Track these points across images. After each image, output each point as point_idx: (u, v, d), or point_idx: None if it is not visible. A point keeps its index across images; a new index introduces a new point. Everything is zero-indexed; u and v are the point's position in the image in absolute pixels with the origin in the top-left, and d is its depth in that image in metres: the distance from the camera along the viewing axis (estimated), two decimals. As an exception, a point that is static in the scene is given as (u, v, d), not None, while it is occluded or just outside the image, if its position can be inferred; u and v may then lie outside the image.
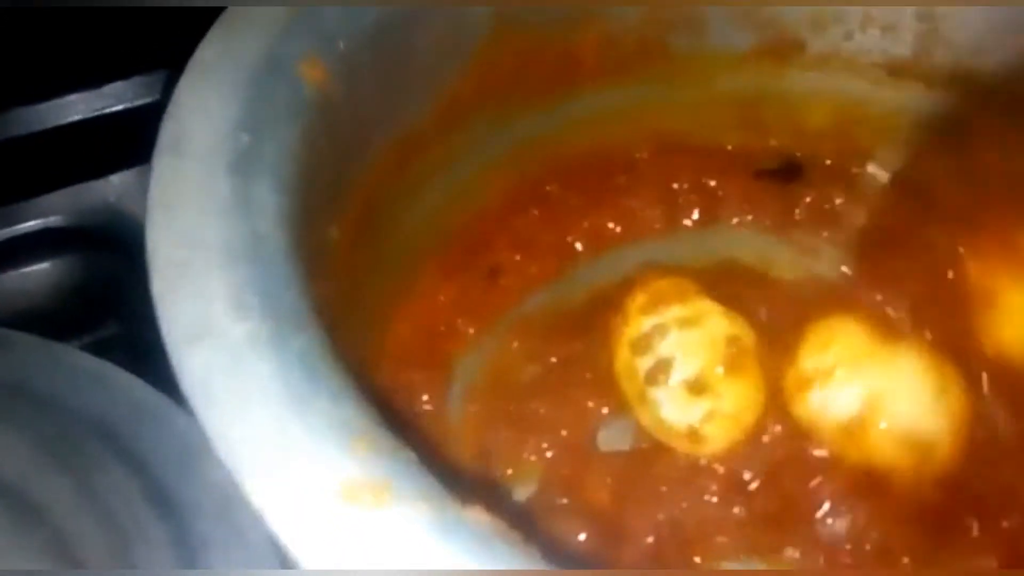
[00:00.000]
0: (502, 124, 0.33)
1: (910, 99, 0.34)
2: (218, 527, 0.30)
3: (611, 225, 0.35)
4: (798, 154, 0.36)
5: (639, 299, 0.32)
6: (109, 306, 0.39)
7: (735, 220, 0.36)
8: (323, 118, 0.25)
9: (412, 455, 0.18)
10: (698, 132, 0.35)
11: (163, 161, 0.22)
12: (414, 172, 0.31)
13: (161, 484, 0.31)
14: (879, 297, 0.33)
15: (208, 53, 0.24)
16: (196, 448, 0.31)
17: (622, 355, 0.31)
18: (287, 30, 0.25)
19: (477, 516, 0.17)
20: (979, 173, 0.33)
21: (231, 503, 0.30)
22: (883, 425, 0.29)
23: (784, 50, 0.34)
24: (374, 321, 0.31)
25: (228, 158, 0.22)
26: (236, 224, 0.21)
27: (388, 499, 0.17)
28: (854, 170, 0.37)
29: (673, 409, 0.30)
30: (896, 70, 0.34)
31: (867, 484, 0.29)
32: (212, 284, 0.20)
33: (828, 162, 0.37)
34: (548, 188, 0.35)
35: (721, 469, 0.30)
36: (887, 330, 0.31)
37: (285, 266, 0.21)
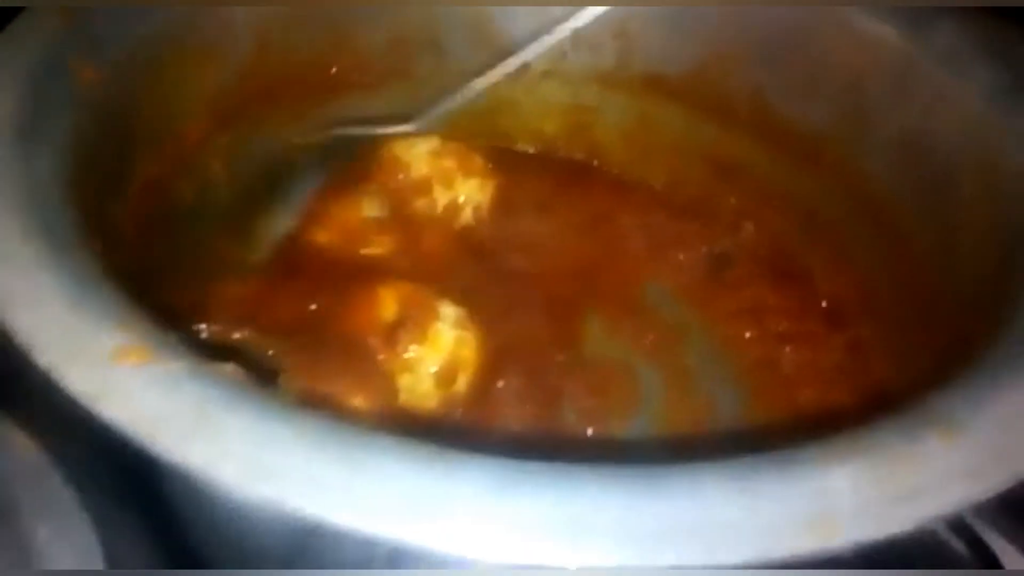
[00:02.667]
0: (271, 128, 0.40)
1: (619, 104, 0.44)
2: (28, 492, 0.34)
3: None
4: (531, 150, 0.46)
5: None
6: None
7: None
8: (94, 110, 0.31)
9: (172, 336, 0.23)
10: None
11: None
12: (187, 167, 0.37)
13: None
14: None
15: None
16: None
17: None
18: (62, 36, 0.32)
19: (229, 369, 0.23)
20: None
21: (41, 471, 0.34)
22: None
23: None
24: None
25: (11, 132, 0.28)
26: (21, 177, 0.26)
27: (150, 358, 0.22)
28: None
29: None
30: (604, 80, 0.43)
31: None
32: (5, 220, 0.25)
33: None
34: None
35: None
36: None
37: (62, 209, 0.26)
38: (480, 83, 0.41)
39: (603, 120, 0.44)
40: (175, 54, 0.36)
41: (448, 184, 0.41)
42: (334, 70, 0.41)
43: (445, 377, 0.35)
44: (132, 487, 0.37)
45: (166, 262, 0.37)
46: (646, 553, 0.19)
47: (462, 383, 0.35)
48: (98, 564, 0.34)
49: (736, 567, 0.19)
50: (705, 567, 0.19)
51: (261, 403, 0.22)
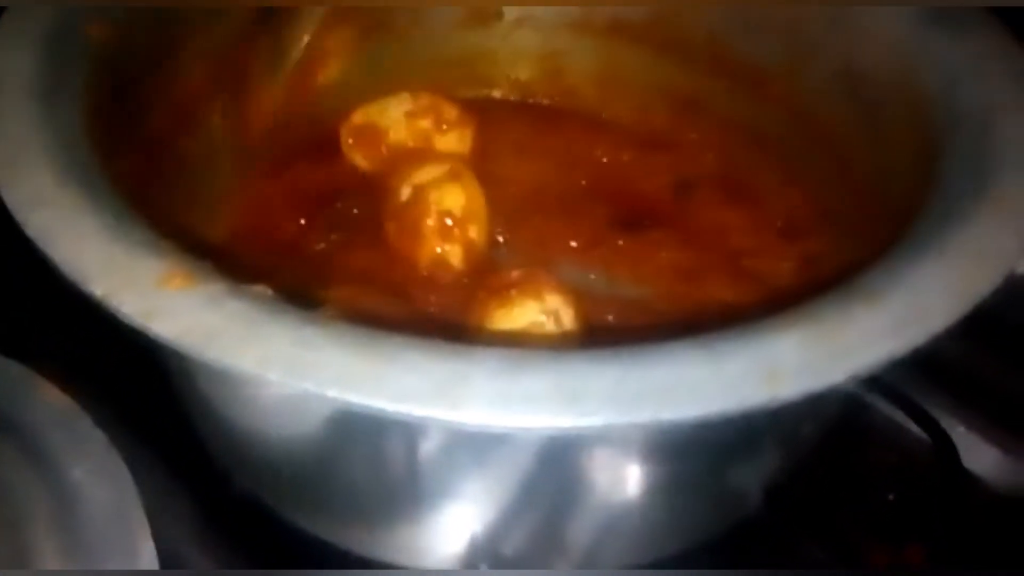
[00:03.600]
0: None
1: (587, 48, 0.47)
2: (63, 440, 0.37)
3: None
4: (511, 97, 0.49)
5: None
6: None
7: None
8: (106, 66, 0.34)
9: (209, 263, 0.27)
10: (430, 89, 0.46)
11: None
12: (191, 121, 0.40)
13: (5, 413, 0.37)
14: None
15: (6, 22, 0.32)
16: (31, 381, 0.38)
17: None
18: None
19: (263, 289, 0.26)
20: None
21: (72, 417, 0.37)
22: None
23: (487, 18, 0.47)
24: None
25: (35, 91, 0.31)
26: (48, 131, 0.29)
27: (193, 282, 0.25)
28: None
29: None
30: (573, 26, 0.47)
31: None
32: (39, 170, 0.28)
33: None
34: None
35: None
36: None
37: (91, 159, 0.29)
38: None
39: (574, 65, 0.48)
40: (175, 11, 0.38)
41: (426, 146, 0.44)
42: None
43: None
44: (158, 418, 0.41)
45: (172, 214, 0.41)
46: (629, 412, 0.23)
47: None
48: (133, 497, 0.38)
49: (702, 418, 0.23)
50: (676, 419, 0.23)
51: (297, 314, 0.26)
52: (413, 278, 0.41)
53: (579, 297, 0.40)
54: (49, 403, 0.40)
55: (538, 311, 0.38)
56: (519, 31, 0.48)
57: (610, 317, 0.41)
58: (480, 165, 0.45)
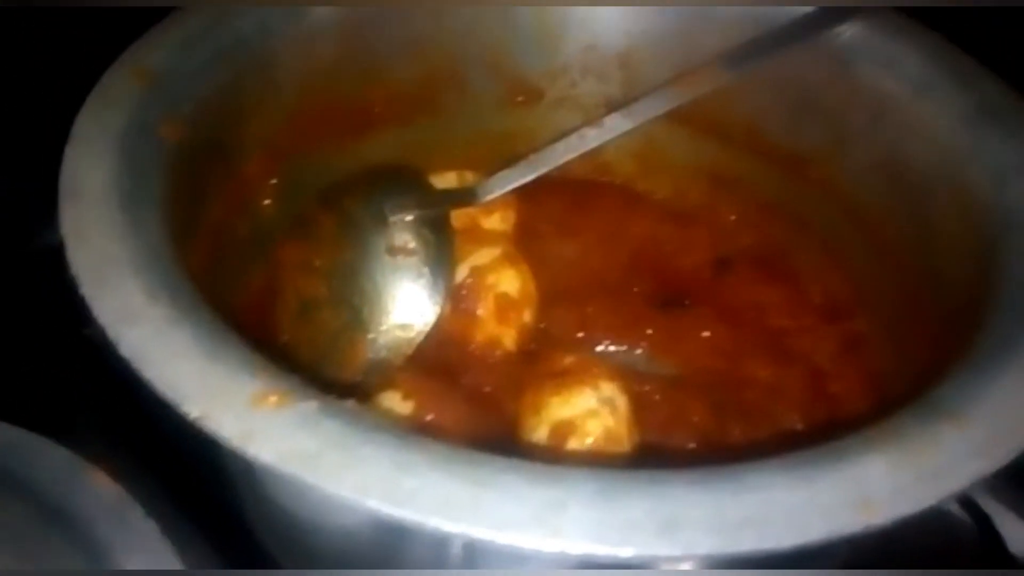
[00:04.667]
0: (314, 165, 0.43)
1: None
2: (115, 530, 0.36)
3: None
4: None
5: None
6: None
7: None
8: (175, 165, 0.35)
9: (297, 378, 0.27)
10: (469, 164, 0.46)
11: (67, 205, 0.30)
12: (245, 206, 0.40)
13: (55, 503, 0.37)
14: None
15: (84, 125, 0.32)
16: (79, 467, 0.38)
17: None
18: (144, 98, 0.35)
19: (353, 406, 0.26)
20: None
21: (122, 506, 0.37)
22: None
23: (529, 97, 0.48)
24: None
25: (116, 199, 0.31)
26: (136, 243, 0.29)
27: (288, 400, 0.26)
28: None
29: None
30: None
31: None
32: (128, 284, 0.28)
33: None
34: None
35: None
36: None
37: (177, 269, 0.29)
38: (544, 159, 0.41)
39: (615, 140, 0.48)
40: (236, 103, 0.39)
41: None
42: (377, 108, 0.44)
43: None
44: (207, 511, 0.40)
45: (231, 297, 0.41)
46: (729, 541, 0.24)
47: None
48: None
49: (802, 547, 0.23)
50: (778, 548, 0.23)
51: (392, 434, 0.26)
52: (466, 359, 0.42)
53: (627, 379, 0.41)
54: (100, 492, 0.39)
55: (594, 399, 0.38)
56: (559, 111, 0.48)
57: (657, 397, 0.42)
58: (523, 243, 0.46)
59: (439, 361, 0.41)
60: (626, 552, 0.23)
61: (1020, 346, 0.28)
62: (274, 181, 0.42)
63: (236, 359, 0.27)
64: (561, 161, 0.41)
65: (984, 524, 0.40)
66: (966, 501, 0.41)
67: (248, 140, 0.40)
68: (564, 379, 0.39)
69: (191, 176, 0.36)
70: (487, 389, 0.41)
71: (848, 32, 0.42)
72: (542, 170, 0.41)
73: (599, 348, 0.43)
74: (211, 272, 0.38)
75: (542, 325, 0.44)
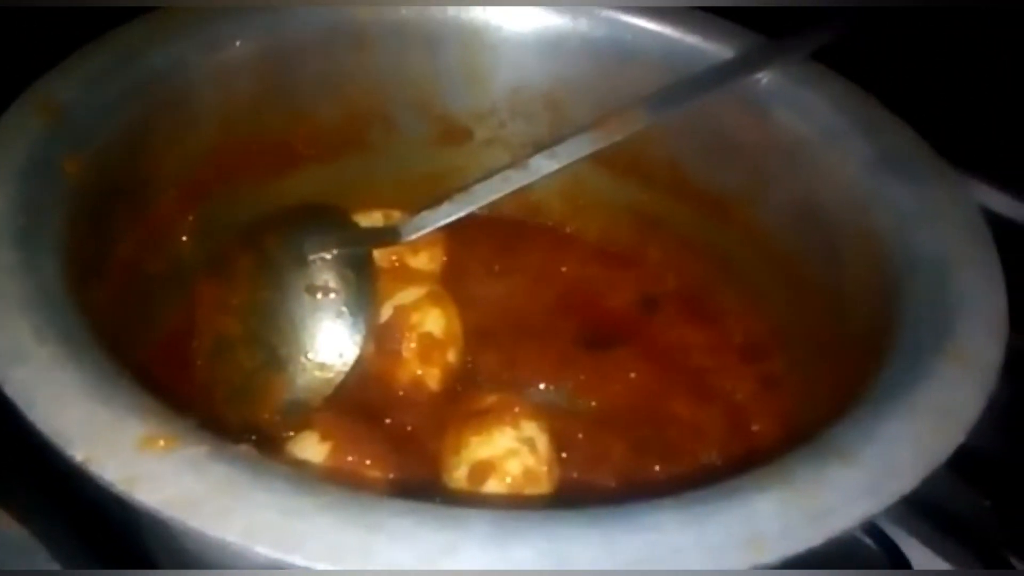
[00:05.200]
0: (234, 202, 0.43)
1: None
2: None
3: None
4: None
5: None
6: None
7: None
8: (78, 201, 0.34)
9: (191, 421, 0.26)
10: (397, 202, 0.46)
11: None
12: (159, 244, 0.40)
13: None
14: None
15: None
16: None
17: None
18: (46, 132, 0.34)
19: (245, 450, 0.26)
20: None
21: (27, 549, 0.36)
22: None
23: (458, 137, 0.48)
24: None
25: (11, 235, 0.31)
26: (26, 281, 0.29)
27: (176, 444, 0.25)
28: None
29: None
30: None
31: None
32: (17, 323, 0.28)
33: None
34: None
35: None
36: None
37: (71, 309, 0.29)
38: (468, 199, 0.42)
39: (540, 182, 0.49)
40: (148, 139, 0.39)
41: (399, 264, 0.44)
42: (300, 146, 0.45)
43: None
44: (114, 556, 0.39)
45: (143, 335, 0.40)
46: (621, 580, 0.24)
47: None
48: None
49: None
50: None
51: (282, 478, 0.25)
52: (388, 398, 0.42)
53: (551, 418, 0.41)
54: (4, 533, 0.38)
55: (514, 438, 0.38)
56: (488, 150, 0.49)
57: (579, 435, 0.42)
58: (451, 283, 0.46)
59: (361, 401, 0.41)
60: (513, 597, 0.23)
61: (913, 387, 0.29)
62: (191, 219, 0.42)
63: (125, 401, 0.27)
64: (485, 201, 0.42)
65: (892, 552, 0.41)
66: (877, 533, 0.42)
67: (162, 177, 0.40)
68: (484, 418, 0.39)
69: (97, 214, 0.36)
70: (409, 429, 0.41)
71: (765, 79, 0.43)
72: (466, 210, 0.42)
73: (525, 389, 0.44)
74: (122, 312, 0.38)
75: (468, 365, 0.44)
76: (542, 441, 0.39)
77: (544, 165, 0.41)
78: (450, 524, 0.24)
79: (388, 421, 0.41)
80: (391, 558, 0.23)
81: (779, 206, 0.43)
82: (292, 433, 0.37)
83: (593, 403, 0.44)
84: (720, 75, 0.44)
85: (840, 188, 0.39)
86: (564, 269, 0.49)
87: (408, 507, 0.25)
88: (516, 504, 0.34)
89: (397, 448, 0.40)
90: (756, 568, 0.24)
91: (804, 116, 0.41)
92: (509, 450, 0.37)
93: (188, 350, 0.42)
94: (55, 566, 0.37)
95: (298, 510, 0.24)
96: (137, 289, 0.40)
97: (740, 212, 0.45)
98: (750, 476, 0.26)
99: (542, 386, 0.44)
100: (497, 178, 0.42)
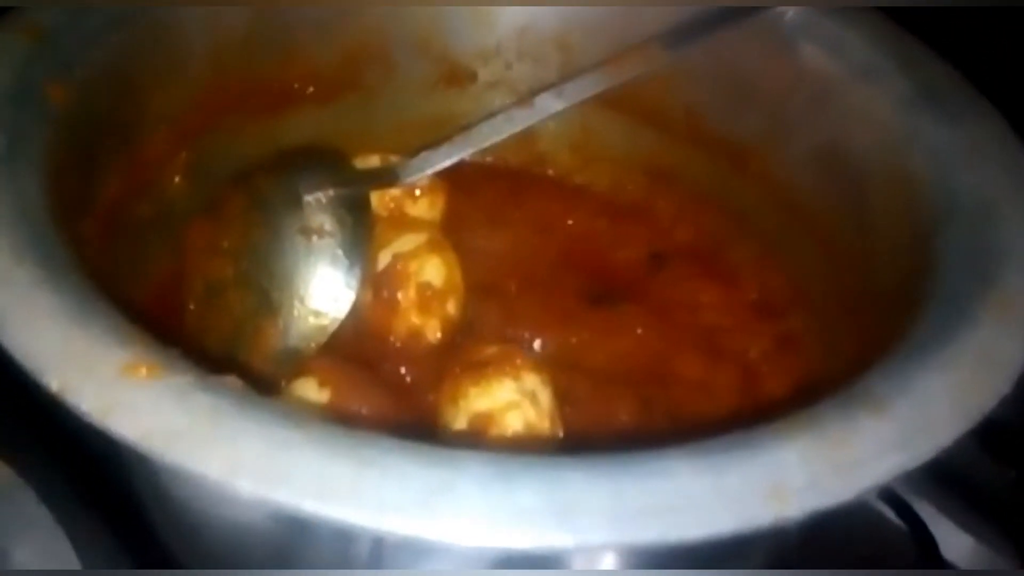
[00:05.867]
0: (228, 143, 0.41)
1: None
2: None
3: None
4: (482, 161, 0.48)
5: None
6: None
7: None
8: (64, 130, 0.32)
9: (175, 350, 0.25)
10: (395, 147, 0.44)
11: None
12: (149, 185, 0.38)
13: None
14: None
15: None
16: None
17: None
18: (32, 56, 0.32)
19: (232, 381, 0.24)
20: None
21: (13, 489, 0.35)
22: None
23: (460, 79, 0.46)
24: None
25: None
26: (4, 198, 0.27)
27: (159, 373, 0.24)
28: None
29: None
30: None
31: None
32: None
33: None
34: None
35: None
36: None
37: (51, 231, 0.27)
38: (470, 139, 0.39)
39: (547, 129, 0.47)
40: (136, 73, 0.37)
41: (398, 212, 0.42)
42: (296, 85, 0.43)
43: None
44: (104, 498, 0.38)
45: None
46: (632, 531, 0.22)
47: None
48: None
49: (706, 539, 0.22)
50: (683, 539, 0.22)
51: (269, 411, 0.24)
52: (386, 349, 0.40)
53: (554, 372, 0.39)
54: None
55: (515, 391, 0.36)
56: (492, 93, 0.47)
57: (583, 392, 0.40)
58: (452, 232, 0.44)
59: (357, 351, 0.39)
60: (516, 541, 0.21)
61: (952, 336, 0.27)
62: (183, 159, 0.40)
63: (106, 326, 0.25)
64: (488, 143, 0.40)
65: (919, 529, 0.39)
66: (901, 507, 0.40)
67: (151, 115, 0.38)
68: (484, 369, 0.37)
69: (83, 146, 0.34)
70: (407, 380, 0.39)
71: (791, 12, 0.41)
72: (468, 151, 0.39)
73: (527, 344, 0.42)
74: (109, 253, 0.36)
75: (468, 317, 0.42)
76: (544, 395, 0.37)
77: (551, 104, 0.39)
78: (447, 463, 0.23)
79: (385, 371, 0.40)
80: (381, 496, 0.22)
81: (802, 152, 0.41)
82: (285, 383, 0.36)
83: (597, 360, 0.42)
84: (743, 9, 0.41)
85: (872, 130, 0.37)
86: (570, 222, 0.47)
87: (403, 445, 0.23)
88: (517, 448, 0.33)
89: (395, 398, 0.38)
90: (779, 520, 0.22)
91: (833, 52, 0.39)
92: (510, 402, 0.36)
93: (178, 297, 0.40)
94: (44, 509, 0.36)
95: (285, 442, 0.23)
96: (126, 231, 0.38)
97: (759, 160, 0.42)
98: (773, 425, 0.25)
99: (544, 341, 0.42)
100: (500, 117, 0.40)
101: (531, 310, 0.43)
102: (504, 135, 0.39)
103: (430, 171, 0.39)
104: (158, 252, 0.40)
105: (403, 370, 0.39)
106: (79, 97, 0.33)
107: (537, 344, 0.42)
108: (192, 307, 0.39)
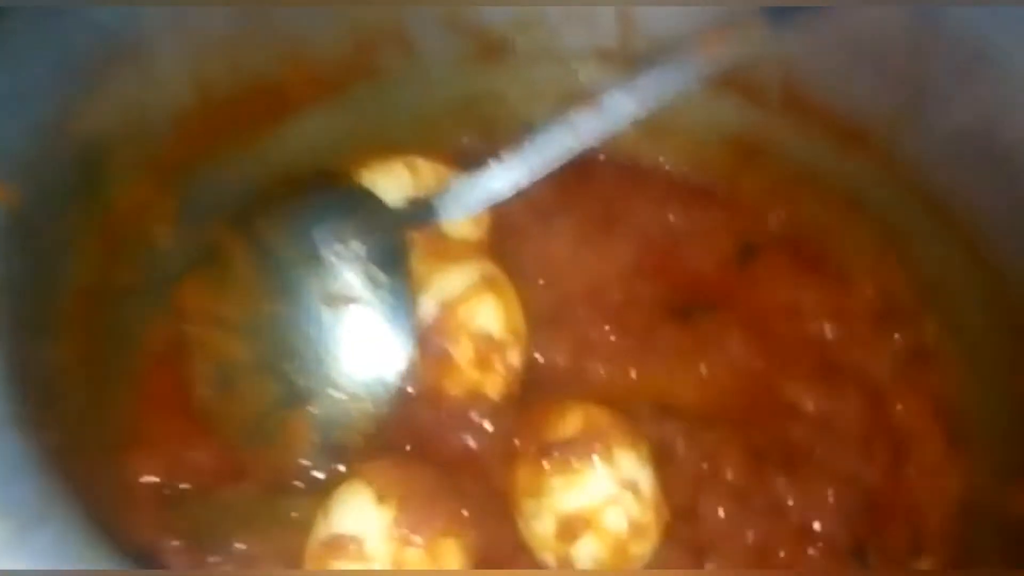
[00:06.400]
0: (219, 174, 0.33)
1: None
2: None
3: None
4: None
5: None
6: None
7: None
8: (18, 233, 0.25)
9: None
10: (420, 142, 0.36)
11: None
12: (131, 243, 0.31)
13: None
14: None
15: None
16: None
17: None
18: None
19: None
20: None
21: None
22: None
23: (494, 52, 0.37)
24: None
25: None
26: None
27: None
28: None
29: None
30: (604, 57, 0.37)
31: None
32: None
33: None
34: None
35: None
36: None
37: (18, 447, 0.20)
38: (524, 160, 0.32)
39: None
40: (97, 121, 0.29)
41: (434, 241, 0.34)
42: (294, 85, 0.34)
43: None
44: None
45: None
46: None
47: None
48: None
49: None
50: None
51: None
52: (440, 418, 0.33)
53: (646, 430, 0.33)
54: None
55: (612, 481, 0.30)
56: (534, 69, 0.38)
57: (680, 445, 0.34)
58: (500, 246, 0.37)
59: (405, 429, 0.33)
60: None
61: None
62: (168, 204, 0.33)
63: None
64: (546, 160, 0.32)
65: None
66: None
67: (124, 161, 0.30)
68: (568, 454, 0.31)
69: (44, 234, 0.27)
70: (471, 448, 0.33)
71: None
72: (522, 174, 0.32)
73: (605, 384, 0.35)
74: (92, 338, 0.29)
75: (532, 355, 0.35)
76: (645, 479, 0.31)
77: (625, 106, 0.31)
78: None
79: (443, 443, 0.34)
80: None
81: (942, 131, 0.33)
82: (323, 475, 0.31)
83: (690, 395, 0.35)
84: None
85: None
86: (639, 214, 0.39)
87: None
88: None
89: (459, 490, 0.32)
90: None
91: (991, 15, 0.30)
92: (607, 498, 0.30)
93: (178, 370, 0.33)
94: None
95: None
96: (109, 309, 0.31)
97: (881, 139, 0.34)
98: None
99: (622, 374, 0.35)
100: (559, 130, 0.31)
101: (604, 336, 0.37)
102: (566, 153, 0.31)
103: (475, 208, 0.31)
104: (151, 322, 0.33)
105: (464, 440, 0.34)
106: (32, 192, 0.26)
107: (617, 382, 0.36)
108: (202, 394, 0.33)
